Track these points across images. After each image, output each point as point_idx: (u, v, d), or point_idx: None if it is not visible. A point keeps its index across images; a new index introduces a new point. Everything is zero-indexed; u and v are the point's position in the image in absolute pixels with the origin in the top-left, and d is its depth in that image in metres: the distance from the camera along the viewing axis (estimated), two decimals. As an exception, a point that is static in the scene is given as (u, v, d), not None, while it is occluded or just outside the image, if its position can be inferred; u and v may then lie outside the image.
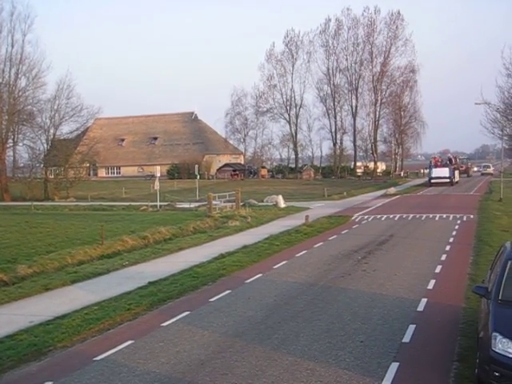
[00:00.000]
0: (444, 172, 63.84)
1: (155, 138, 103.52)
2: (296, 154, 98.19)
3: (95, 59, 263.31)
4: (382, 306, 12.83)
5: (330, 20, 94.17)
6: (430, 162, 69.74)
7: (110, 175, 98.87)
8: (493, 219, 29.76)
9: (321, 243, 23.02)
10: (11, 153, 67.97)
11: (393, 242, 22.74)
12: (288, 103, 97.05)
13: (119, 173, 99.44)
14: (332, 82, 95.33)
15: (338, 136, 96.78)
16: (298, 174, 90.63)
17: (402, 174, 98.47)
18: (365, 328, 11.19)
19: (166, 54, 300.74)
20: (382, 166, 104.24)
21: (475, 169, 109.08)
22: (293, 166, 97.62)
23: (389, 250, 20.91)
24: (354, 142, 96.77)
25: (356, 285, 15.03)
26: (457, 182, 65.88)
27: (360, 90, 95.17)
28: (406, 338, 10.54)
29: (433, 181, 63.65)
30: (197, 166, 58.58)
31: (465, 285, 14.68)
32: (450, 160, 69.41)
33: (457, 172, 68.51)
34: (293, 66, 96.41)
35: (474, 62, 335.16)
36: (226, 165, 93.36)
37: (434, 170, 64.92)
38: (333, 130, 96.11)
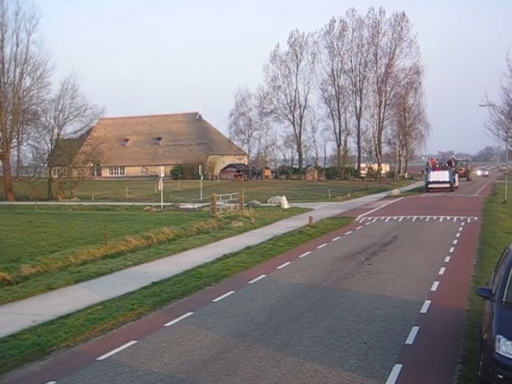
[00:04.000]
0: (443, 176, 56.09)
1: (159, 139, 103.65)
2: (300, 155, 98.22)
3: (100, 59, 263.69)
4: (386, 307, 12.81)
5: (334, 21, 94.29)
6: (427, 164, 61.11)
7: (113, 175, 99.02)
8: (497, 221, 29.72)
9: (324, 244, 23.00)
10: (15, 152, 68.13)
11: (396, 244, 22.71)
12: (292, 104, 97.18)
13: (123, 173, 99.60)
14: (336, 83, 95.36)
15: (342, 137, 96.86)
16: (302, 175, 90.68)
17: (406, 176, 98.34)
18: (368, 329, 11.18)
19: (170, 54, 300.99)
20: (386, 168, 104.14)
21: (479, 172, 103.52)
22: (297, 166, 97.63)
23: (392, 251, 20.88)
24: (358, 143, 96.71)
25: (359, 286, 15.01)
26: (456, 187, 58.90)
27: (364, 91, 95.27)
28: (410, 340, 10.52)
29: (430, 186, 55.97)
30: (200, 166, 58.70)
31: (468, 287, 14.64)
32: (449, 162, 62.31)
33: (456, 175, 61.06)
34: (297, 67, 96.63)
35: (479, 63, 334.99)
36: (230, 165, 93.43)
37: (431, 173, 56.69)
38: (337, 131, 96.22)
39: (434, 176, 56.24)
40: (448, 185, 55.68)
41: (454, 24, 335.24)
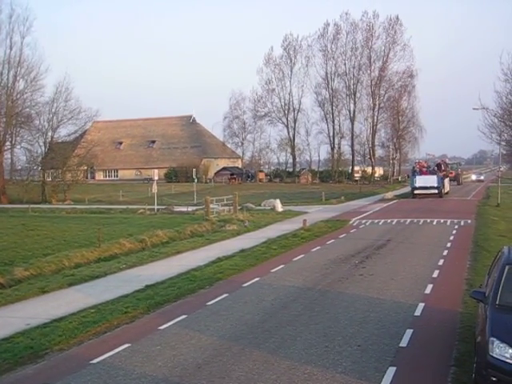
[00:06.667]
0: (431, 181, 51.79)
1: (153, 142, 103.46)
2: (294, 158, 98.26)
3: (93, 62, 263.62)
4: (380, 310, 12.82)
5: (328, 24, 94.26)
6: (414, 167, 56.45)
7: (107, 178, 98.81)
8: (490, 224, 29.82)
9: (318, 247, 23.01)
10: (9, 155, 67.92)
11: (390, 247, 22.75)
12: (286, 107, 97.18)
13: (117, 176, 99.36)
14: (330, 87, 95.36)
15: (336, 140, 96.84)
16: (296, 178, 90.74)
17: (400, 179, 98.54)
18: (362, 332, 11.18)
19: (164, 57, 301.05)
20: (379, 171, 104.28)
21: (473, 177, 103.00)
22: (290, 170, 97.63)
23: (386, 254, 20.92)
24: (352, 146, 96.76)
25: (353, 289, 15.02)
26: (446, 193, 55.33)
27: (358, 94, 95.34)
28: (403, 343, 10.53)
29: (417, 191, 52.22)
30: (194, 169, 58.64)
31: (462, 289, 14.68)
32: (438, 165, 57.60)
33: (446, 180, 57.71)
34: (291, 71, 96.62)
35: (472, 68, 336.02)
36: (224, 168, 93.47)
37: (418, 177, 52.39)
38: (331, 134, 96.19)
39: (421, 181, 52.16)
40: (436, 190, 51.82)
41: (448, 28, 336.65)
